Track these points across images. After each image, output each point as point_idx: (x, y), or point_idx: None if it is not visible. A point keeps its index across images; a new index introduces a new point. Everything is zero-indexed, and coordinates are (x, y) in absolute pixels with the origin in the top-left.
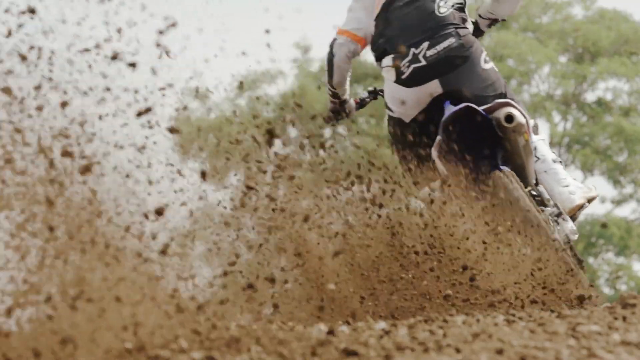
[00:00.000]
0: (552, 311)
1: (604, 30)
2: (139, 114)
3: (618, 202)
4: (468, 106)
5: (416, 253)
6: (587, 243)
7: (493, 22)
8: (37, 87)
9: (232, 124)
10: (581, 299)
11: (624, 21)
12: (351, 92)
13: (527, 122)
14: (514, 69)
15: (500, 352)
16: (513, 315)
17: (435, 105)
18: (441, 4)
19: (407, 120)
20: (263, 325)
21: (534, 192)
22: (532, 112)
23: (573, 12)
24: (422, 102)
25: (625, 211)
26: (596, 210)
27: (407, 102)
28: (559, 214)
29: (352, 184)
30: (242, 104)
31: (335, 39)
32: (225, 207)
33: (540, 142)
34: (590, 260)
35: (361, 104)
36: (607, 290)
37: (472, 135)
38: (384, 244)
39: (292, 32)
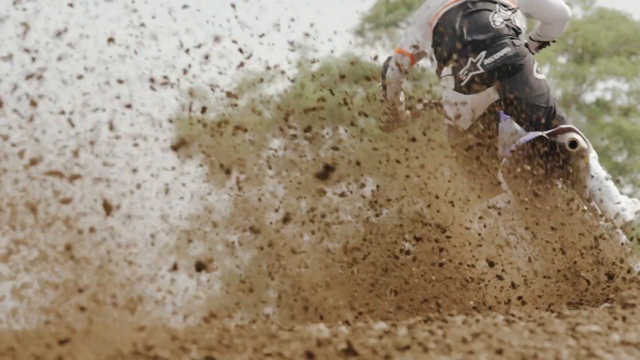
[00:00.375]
0: (552, 311)
1: (603, 30)
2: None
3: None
4: (540, 137)
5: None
6: None
7: (543, 44)
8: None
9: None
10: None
11: (623, 21)
12: (351, 93)
13: (587, 146)
14: None
15: (499, 352)
16: (513, 315)
17: (491, 112)
18: (495, 17)
19: (465, 127)
20: (263, 325)
21: (585, 207)
22: None
23: (572, 12)
24: (480, 109)
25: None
26: None
27: (465, 108)
28: (612, 229)
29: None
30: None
31: (389, 57)
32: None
33: (593, 160)
34: None
35: (416, 114)
36: None
37: (536, 158)
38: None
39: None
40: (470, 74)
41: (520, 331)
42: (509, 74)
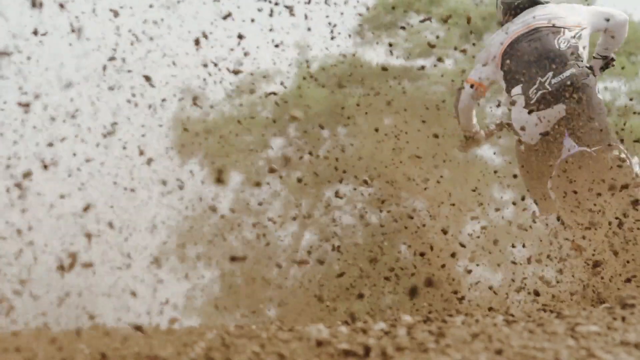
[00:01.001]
0: (552, 311)
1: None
2: None
3: None
4: (582, 150)
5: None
6: None
7: (608, 61)
8: None
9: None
10: None
11: None
12: (348, 93)
13: (631, 162)
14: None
15: (499, 352)
16: (512, 315)
17: (557, 128)
18: (560, 41)
19: (533, 142)
20: (263, 325)
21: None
22: None
23: None
24: (547, 125)
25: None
26: None
27: (534, 124)
28: None
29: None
30: (240, 105)
31: (461, 88)
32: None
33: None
34: None
35: (490, 134)
36: None
37: (582, 170)
38: None
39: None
40: (539, 93)
41: (520, 331)
42: (574, 93)
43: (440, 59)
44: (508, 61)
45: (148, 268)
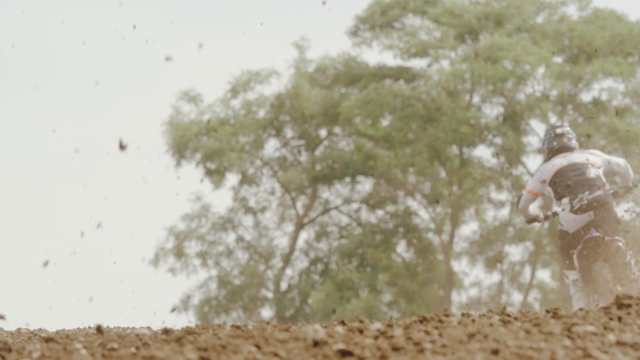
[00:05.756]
0: (548, 311)
1: (599, 31)
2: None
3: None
4: (598, 235)
5: None
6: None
7: (627, 190)
8: None
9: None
10: None
11: (619, 21)
12: (341, 95)
13: (626, 249)
14: (510, 71)
15: (495, 352)
16: (508, 315)
17: (587, 226)
18: (590, 172)
19: (571, 232)
20: (259, 326)
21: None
22: (527, 113)
23: (568, 12)
24: (582, 223)
25: (619, 211)
26: None
27: (573, 222)
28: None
29: None
30: (237, 105)
31: (522, 194)
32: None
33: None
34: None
35: (546, 218)
36: None
37: (596, 249)
38: None
39: (290, 32)
40: (579, 204)
41: (516, 331)
42: (600, 206)
43: (436, 59)
44: (556, 184)
45: (146, 267)
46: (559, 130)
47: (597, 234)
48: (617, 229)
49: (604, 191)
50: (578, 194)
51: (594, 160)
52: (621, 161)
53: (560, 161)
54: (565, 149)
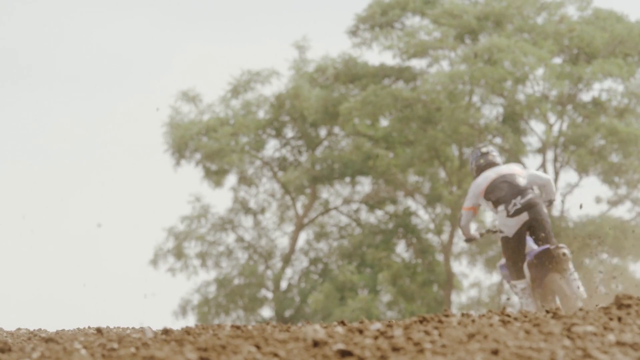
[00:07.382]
0: (548, 311)
1: (599, 31)
2: None
3: (614, 203)
4: (548, 248)
5: None
6: (582, 244)
7: (549, 203)
8: None
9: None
10: None
11: (619, 22)
12: (347, 91)
13: (569, 257)
14: (510, 72)
15: (495, 352)
16: (508, 315)
17: (523, 227)
18: (520, 180)
19: (510, 236)
20: (259, 326)
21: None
22: (527, 113)
23: (568, 12)
24: (519, 224)
25: (619, 212)
26: (590, 211)
27: (511, 225)
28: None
29: None
30: (236, 105)
31: (462, 213)
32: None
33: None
34: (585, 261)
35: (482, 234)
36: (602, 290)
37: (542, 258)
38: None
39: (290, 32)
40: (514, 208)
41: (516, 332)
42: (532, 207)
43: (435, 60)
44: (490, 194)
45: (146, 268)
46: (484, 150)
47: (548, 246)
48: (550, 229)
49: (533, 194)
50: (511, 200)
51: (519, 171)
52: (544, 176)
53: (489, 174)
54: (491, 164)
